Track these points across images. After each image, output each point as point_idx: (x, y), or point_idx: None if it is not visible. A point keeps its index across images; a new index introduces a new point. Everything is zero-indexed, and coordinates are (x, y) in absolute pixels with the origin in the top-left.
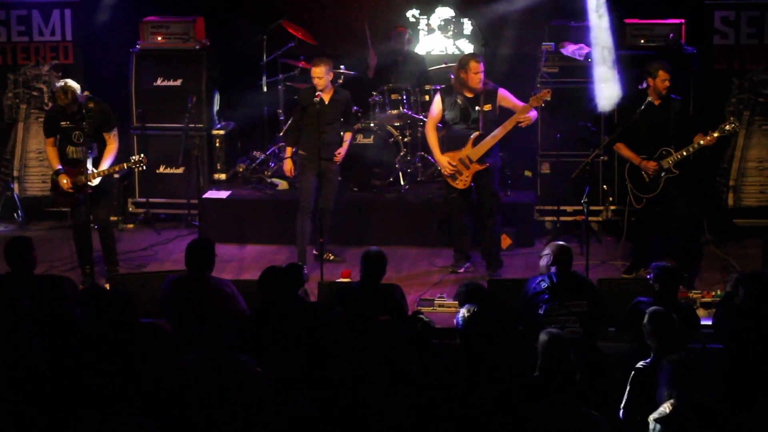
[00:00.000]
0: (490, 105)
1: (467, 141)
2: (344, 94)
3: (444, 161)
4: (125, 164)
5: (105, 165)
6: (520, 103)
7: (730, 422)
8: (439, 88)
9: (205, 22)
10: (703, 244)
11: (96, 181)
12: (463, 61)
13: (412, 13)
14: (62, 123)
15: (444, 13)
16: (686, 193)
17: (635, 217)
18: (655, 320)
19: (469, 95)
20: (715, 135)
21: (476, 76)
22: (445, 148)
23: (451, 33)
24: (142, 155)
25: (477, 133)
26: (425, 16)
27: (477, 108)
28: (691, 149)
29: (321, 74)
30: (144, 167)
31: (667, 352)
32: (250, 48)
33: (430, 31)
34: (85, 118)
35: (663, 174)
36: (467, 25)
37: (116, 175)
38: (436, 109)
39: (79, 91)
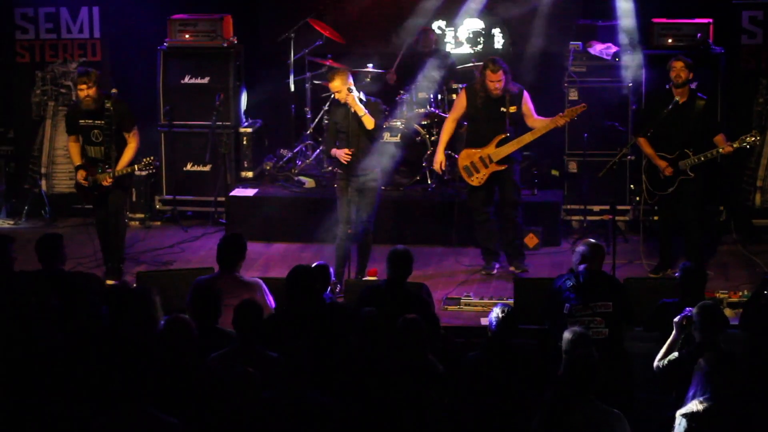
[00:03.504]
0: (515, 107)
1: (490, 140)
2: (372, 105)
3: (439, 159)
4: (136, 166)
5: (121, 165)
6: (534, 112)
7: (759, 424)
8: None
9: (233, 20)
10: (709, 245)
11: (111, 180)
12: (484, 65)
13: (438, 25)
14: (81, 121)
15: (473, 24)
16: (699, 195)
17: (657, 215)
18: (705, 312)
19: (494, 94)
20: (735, 146)
21: (492, 83)
22: (467, 144)
23: (481, 46)
24: (152, 158)
25: (504, 135)
26: (452, 28)
27: (502, 109)
28: (709, 155)
29: (339, 87)
30: (154, 170)
31: (712, 345)
32: (278, 46)
33: (458, 44)
34: (104, 117)
35: (679, 175)
36: (498, 38)
37: (142, 172)
38: (459, 106)
39: (100, 86)
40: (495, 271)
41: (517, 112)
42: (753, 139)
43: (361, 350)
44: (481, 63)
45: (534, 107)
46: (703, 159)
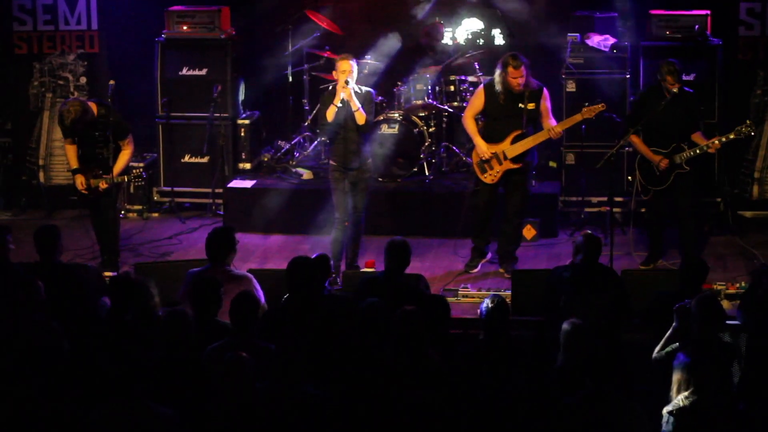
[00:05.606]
0: (533, 104)
1: (506, 137)
2: (364, 95)
3: (484, 146)
4: (125, 177)
5: (117, 170)
6: (550, 113)
7: (745, 417)
8: (465, 78)
9: (231, 12)
10: (706, 235)
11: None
12: (504, 62)
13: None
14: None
15: (472, 25)
16: (693, 187)
17: (645, 207)
18: (703, 304)
19: (517, 90)
20: (731, 137)
21: (515, 80)
22: (483, 140)
23: (480, 48)
24: (140, 170)
25: (519, 131)
26: (450, 29)
27: (520, 105)
28: (705, 148)
29: (348, 67)
30: (142, 182)
31: (711, 339)
32: (275, 37)
33: (456, 45)
34: (98, 126)
35: (674, 170)
36: (498, 38)
37: (132, 183)
38: (477, 102)
39: (85, 110)
40: (476, 271)
41: (535, 110)
42: (747, 129)
43: (359, 342)
44: (478, 51)
45: (551, 107)
46: (698, 152)
